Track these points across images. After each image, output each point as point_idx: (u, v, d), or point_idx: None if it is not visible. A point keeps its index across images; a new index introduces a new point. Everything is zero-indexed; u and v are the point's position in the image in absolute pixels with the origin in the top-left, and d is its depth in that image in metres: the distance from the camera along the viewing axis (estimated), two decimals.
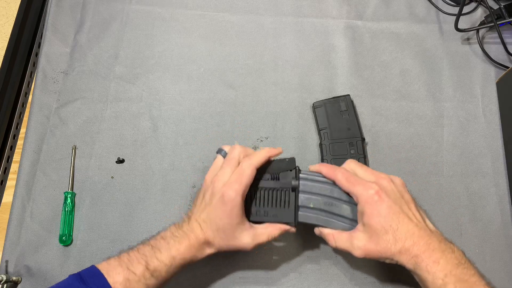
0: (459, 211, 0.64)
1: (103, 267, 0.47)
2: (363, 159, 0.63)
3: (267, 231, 0.51)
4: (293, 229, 0.53)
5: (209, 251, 0.51)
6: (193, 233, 0.49)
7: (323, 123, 0.66)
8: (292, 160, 0.53)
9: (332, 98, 0.68)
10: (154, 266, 0.47)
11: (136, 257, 0.48)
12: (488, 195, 0.65)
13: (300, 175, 0.53)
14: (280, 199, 0.52)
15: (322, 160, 0.65)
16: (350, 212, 0.51)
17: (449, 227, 0.63)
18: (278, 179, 0.53)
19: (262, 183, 0.53)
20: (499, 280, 0.60)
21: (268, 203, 0.52)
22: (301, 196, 0.52)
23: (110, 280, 0.45)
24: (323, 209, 0.52)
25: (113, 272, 0.46)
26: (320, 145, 0.66)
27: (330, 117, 0.66)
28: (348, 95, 0.68)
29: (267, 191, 0.52)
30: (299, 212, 0.52)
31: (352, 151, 0.63)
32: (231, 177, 0.49)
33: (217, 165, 0.53)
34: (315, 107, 0.68)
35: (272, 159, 0.54)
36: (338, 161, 0.63)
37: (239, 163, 0.51)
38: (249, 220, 0.52)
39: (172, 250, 0.48)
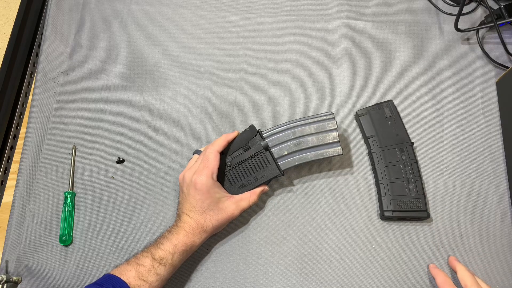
0: (459, 211, 0.64)
1: (115, 271, 0.51)
2: (415, 163, 0.63)
3: (246, 196, 0.59)
4: (266, 189, 0.61)
5: (205, 234, 0.55)
6: (186, 224, 0.55)
7: (370, 131, 0.66)
8: (252, 127, 0.61)
9: (375, 105, 0.67)
10: (160, 255, 0.52)
11: (142, 254, 0.52)
12: (488, 195, 0.65)
13: (264, 134, 0.61)
14: (260, 162, 0.60)
15: (374, 169, 0.64)
16: (316, 141, 0.60)
17: (449, 227, 0.63)
18: (250, 148, 0.60)
19: (239, 158, 0.60)
20: (499, 280, 0.60)
21: (252, 171, 0.60)
22: (274, 150, 0.60)
23: (123, 278, 0.49)
24: (296, 150, 0.60)
25: (124, 271, 0.50)
26: (370, 153, 0.65)
27: (376, 124, 0.66)
28: (391, 100, 0.68)
29: (246, 161, 0.60)
30: (280, 163, 0.60)
31: (403, 157, 0.63)
32: (199, 166, 0.57)
33: (191, 163, 0.60)
34: (359, 115, 0.67)
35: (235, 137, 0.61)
36: (391, 168, 0.63)
37: None
38: (243, 192, 0.59)
39: (173, 240, 0.53)
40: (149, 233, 0.61)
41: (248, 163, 0.60)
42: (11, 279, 0.57)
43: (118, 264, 0.52)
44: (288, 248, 0.61)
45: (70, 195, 0.62)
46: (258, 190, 0.60)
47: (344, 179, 0.65)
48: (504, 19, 0.71)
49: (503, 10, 0.72)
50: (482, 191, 0.65)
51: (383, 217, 0.62)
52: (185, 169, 0.60)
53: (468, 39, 0.76)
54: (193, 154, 0.63)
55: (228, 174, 0.60)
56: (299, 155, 0.60)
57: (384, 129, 0.66)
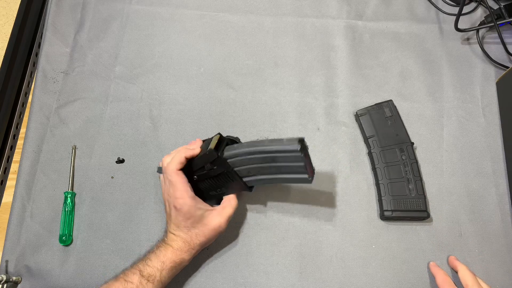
0: (459, 211, 0.64)
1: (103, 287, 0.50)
2: (415, 163, 0.63)
3: (227, 203, 0.57)
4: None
5: (194, 250, 0.55)
6: (173, 242, 0.54)
7: (370, 131, 0.66)
8: (211, 151, 0.53)
9: (374, 105, 0.67)
10: (148, 272, 0.51)
11: (130, 270, 0.52)
12: (488, 195, 0.65)
13: (227, 153, 0.54)
14: (226, 179, 0.55)
15: (374, 169, 0.64)
16: (283, 170, 0.52)
17: (449, 227, 0.63)
18: (214, 168, 0.55)
19: (204, 176, 0.56)
20: (499, 280, 0.60)
21: (220, 184, 0.56)
22: (239, 169, 0.54)
23: None
24: (263, 173, 0.54)
25: (112, 287, 0.49)
26: (370, 153, 0.65)
27: (376, 124, 0.66)
28: (391, 100, 0.68)
29: (213, 178, 0.56)
30: (246, 180, 0.55)
31: (403, 157, 0.63)
32: (170, 190, 0.54)
33: (162, 183, 0.58)
34: (359, 115, 0.67)
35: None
36: (391, 168, 0.63)
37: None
38: (214, 201, 0.58)
39: (160, 256, 0.53)
40: (149, 233, 0.61)
41: (214, 180, 0.56)
42: (11, 279, 0.57)
43: (117, 274, 0.52)
44: (288, 248, 0.61)
45: (70, 195, 0.62)
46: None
47: (344, 179, 0.65)
48: (504, 19, 0.71)
49: (503, 10, 0.72)
50: (482, 191, 0.65)
51: (383, 217, 0.62)
52: (162, 189, 0.57)
53: (468, 39, 0.76)
54: (157, 172, 0.60)
55: (197, 186, 0.57)
56: (266, 177, 0.54)
57: (384, 129, 0.66)
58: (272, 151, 0.51)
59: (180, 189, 0.53)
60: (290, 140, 0.50)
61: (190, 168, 0.55)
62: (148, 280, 0.50)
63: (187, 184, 0.54)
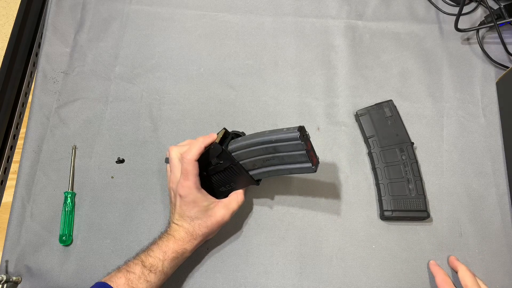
0: (459, 211, 0.64)
1: (105, 279, 0.50)
2: (415, 163, 0.63)
3: (234, 198, 0.57)
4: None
5: (196, 241, 0.55)
6: (175, 232, 0.55)
7: (370, 131, 0.66)
8: (215, 144, 0.55)
9: (375, 105, 0.67)
10: (150, 262, 0.51)
11: (133, 261, 0.52)
12: (488, 195, 0.65)
13: (231, 147, 0.55)
14: (233, 173, 0.56)
15: (374, 169, 0.64)
16: (286, 159, 0.53)
17: (449, 227, 0.63)
18: (221, 162, 0.56)
19: (213, 170, 0.56)
20: (499, 280, 0.60)
21: (228, 180, 0.57)
22: (244, 162, 0.55)
23: (114, 285, 0.49)
24: (267, 164, 0.54)
25: (114, 278, 0.50)
26: (370, 153, 0.65)
27: (376, 124, 0.66)
28: (391, 100, 0.68)
29: (220, 173, 0.56)
30: (253, 173, 0.56)
31: (403, 157, 0.63)
32: (180, 177, 0.55)
33: (169, 172, 0.59)
34: (359, 115, 0.67)
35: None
36: (391, 168, 0.63)
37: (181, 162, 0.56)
38: (222, 197, 0.58)
39: (162, 247, 0.53)
40: (149, 233, 0.61)
41: (222, 174, 0.56)
42: (11, 279, 0.57)
43: (120, 265, 0.53)
44: (288, 248, 0.61)
45: (70, 195, 0.62)
46: (243, 189, 0.58)
47: (344, 179, 0.65)
48: (504, 19, 0.71)
49: (503, 10, 0.72)
50: (482, 191, 0.65)
51: (383, 217, 0.62)
52: (168, 179, 0.58)
53: (468, 39, 0.76)
54: (166, 162, 0.60)
55: (206, 181, 0.58)
56: (271, 169, 0.55)
57: (384, 129, 0.66)
58: (273, 141, 0.52)
59: (190, 179, 0.54)
60: (290, 129, 0.50)
61: (200, 164, 0.56)
62: (150, 271, 0.51)
63: (197, 176, 0.55)
